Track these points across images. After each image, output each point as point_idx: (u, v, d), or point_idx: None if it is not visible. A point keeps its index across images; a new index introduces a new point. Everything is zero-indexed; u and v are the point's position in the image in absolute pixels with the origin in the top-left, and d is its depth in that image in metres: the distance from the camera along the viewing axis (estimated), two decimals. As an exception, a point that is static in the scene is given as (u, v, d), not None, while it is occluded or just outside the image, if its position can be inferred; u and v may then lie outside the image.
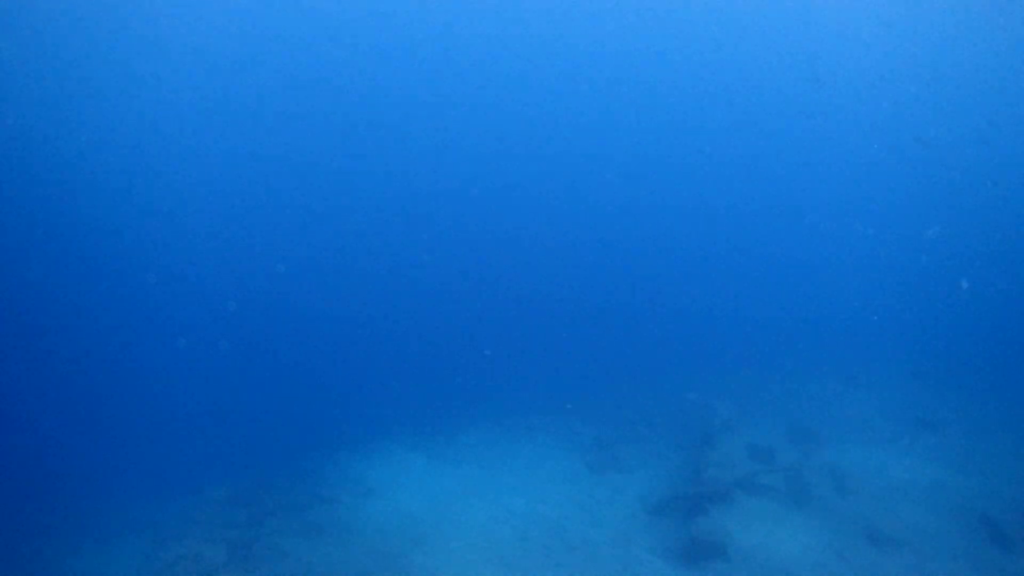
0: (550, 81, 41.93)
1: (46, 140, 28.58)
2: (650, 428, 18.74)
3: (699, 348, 25.60)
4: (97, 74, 30.88)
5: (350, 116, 37.64)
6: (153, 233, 28.99)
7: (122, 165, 30.49)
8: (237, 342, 24.04)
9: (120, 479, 16.38)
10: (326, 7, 35.73)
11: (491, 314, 27.14)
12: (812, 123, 44.78)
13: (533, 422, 19.64)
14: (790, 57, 44.47)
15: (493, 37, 40.67)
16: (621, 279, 33.79)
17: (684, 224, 41.00)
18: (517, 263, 32.27)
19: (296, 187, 33.98)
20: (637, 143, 42.63)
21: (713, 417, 18.03)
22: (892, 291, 33.50)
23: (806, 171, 45.22)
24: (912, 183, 41.71)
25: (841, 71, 43.91)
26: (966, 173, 39.60)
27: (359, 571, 12.02)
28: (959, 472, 15.42)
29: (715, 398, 19.78)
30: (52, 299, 23.92)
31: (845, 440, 17.41)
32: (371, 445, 18.19)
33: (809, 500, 14.18)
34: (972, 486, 14.65)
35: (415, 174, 36.72)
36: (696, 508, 13.61)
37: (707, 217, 41.74)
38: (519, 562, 12.32)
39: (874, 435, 17.76)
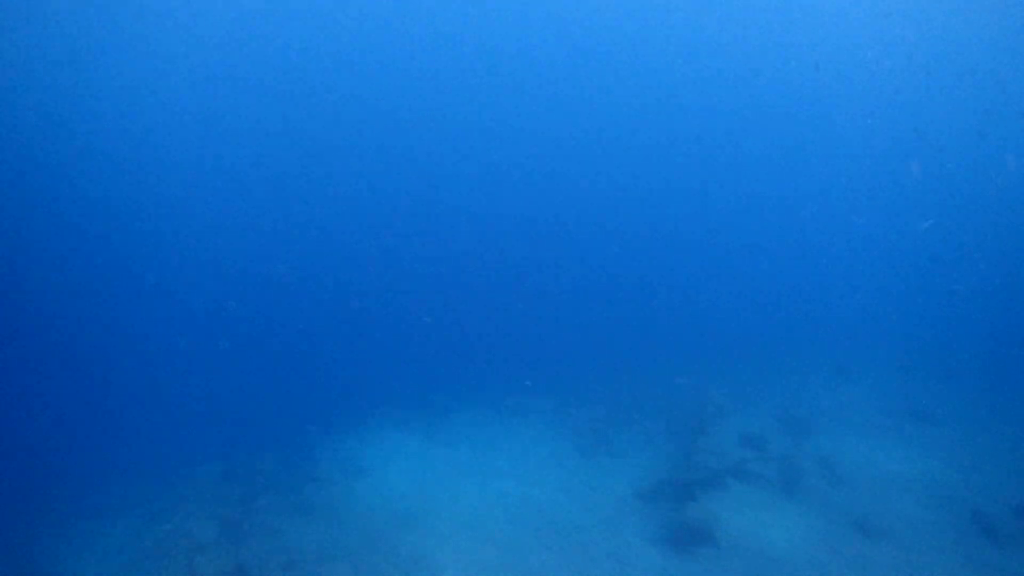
0: (543, 67, 41.52)
1: (46, 140, 28.41)
2: (643, 413, 18.76)
3: (694, 335, 25.65)
4: (97, 74, 30.61)
5: (342, 98, 37.44)
6: (147, 217, 28.90)
7: (120, 154, 30.43)
8: (231, 323, 24.01)
9: (113, 456, 16.38)
10: (326, 7, 35.39)
11: (486, 297, 27.11)
12: (804, 115, 44.56)
13: (526, 404, 19.65)
14: (785, 45, 43.97)
15: (496, 22, 40.18)
16: (618, 266, 33.79)
17: (681, 214, 41.02)
18: (514, 248, 32.21)
19: (287, 175, 33.89)
20: (630, 132, 42.38)
21: (706, 404, 18.04)
22: (886, 283, 33.55)
23: (800, 163, 45.09)
24: (906, 176, 41.56)
25: (840, 60, 43.53)
26: (960, 166, 39.53)
27: (349, 550, 12.06)
28: (950, 465, 15.45)
29: (708, 385, 19.81)
30: (44, 281, 23.79)
31: (837, 430, 17.44)
32: (364, 426, 18.21)
33: (800, 489, 14.22)
34: (963, 479, 14.69)
35: (406, 160, 36.61)
36: (686, 494, 13.64)
37: (703, 208, 41.75)
38: (509, 544, 12.35)
39: (866, 426, 17.79)
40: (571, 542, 12.43)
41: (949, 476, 14.88)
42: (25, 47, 27.41)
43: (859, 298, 31.73)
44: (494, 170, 38.15)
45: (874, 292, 32.27)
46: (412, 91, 38.48)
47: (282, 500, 14.07)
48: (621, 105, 42.51)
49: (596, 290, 30.76)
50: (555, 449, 16.82)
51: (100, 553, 12.42)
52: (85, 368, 20.88)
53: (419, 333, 24.79)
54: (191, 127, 32.87)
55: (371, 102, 37.96)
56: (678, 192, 42.46)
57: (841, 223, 41.12)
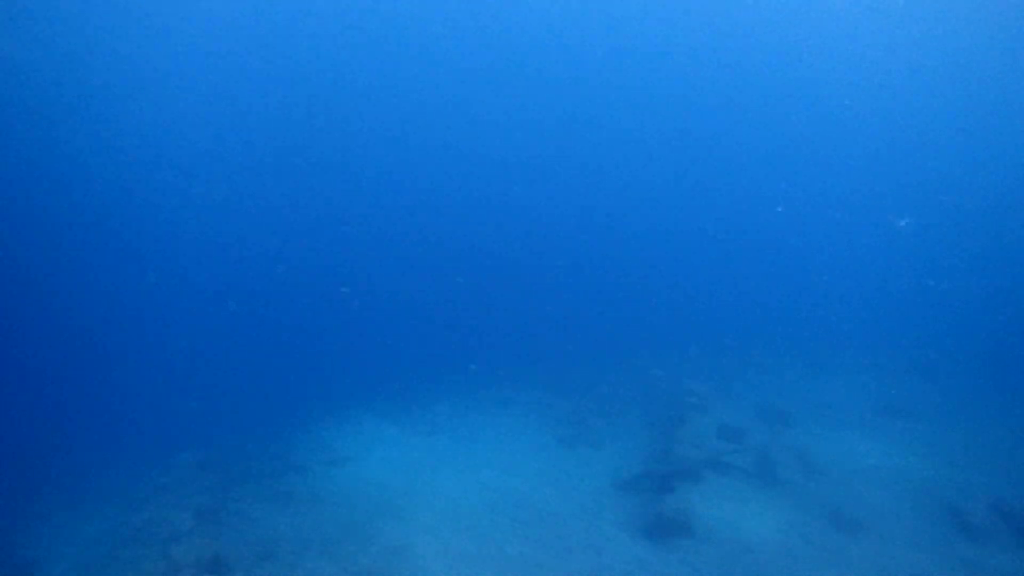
0: (532, 67, 41.37)
1: (46, 139, 27.96)
2: (623, 405, 18.89)
3: (674, 328, 25.84)
4: (97, 73, 30.13)
5: (336, 86, 37.22)
6: (125, 207, 28.62)
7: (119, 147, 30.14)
8: (212, 313, 23.81)
9: (90, 446, 16.21)
10: (326, 6, 35.09)
11: (469, 288, 27.07)
12: (781, 112, 44.81)
13: (507, 395, 19.70)
14: (775, 45, 44.09)
15: (495, 19, 39.94)
16: (600, 259, 33.93)
17: (662, 210, 41.24)
18: (497, 239, 32.22)
19: (276, 169, 33.64)
20: (611, 126, 42.37)
21: (685, 396, 18.19)
22: (864, 279, 33.97)
23: (778, 160, 45.38)
24: (886, 174, 42.04)
25: (829, 59, 43.76)
26: (938, 165, 40.02)
27: (328, 540, 12.03)
28: (925, 460, 15.70)
29: (688, 377, 19.97)
30: (15, 274, 23.44)
31: (814, 423, 17.68)
32: (344, 414, 18.15)
33: (776, 481, 14.39)
34: (939, 475, 14.90)
35: (387, 151, 36.47)
36: (664, 485, 13.77)
37: (683, 203, 41.98)
38: (487, 533, 12.40)
39: (843, 419, 18.04)
40: (550, 532, 12.50)
41: (925, 471, 15.11)
42: (25, 47, 26.96)
43: (838, 293, 32.11)
44: (478, 163, 38.08)
45: (853, 288, 32.66)
46: (401, 86, 38.27)
47: (260, 489, 13.98)
48: (600, 97, 42.44)
49: (578, 283, 30.87)
50: (536, 440, 16.89)
51: (77, 543, 12.29)
52: (62, 359, 20.62)
53: (402, 324, 24.77)
54: (182, 120, 32.49)
55: (361, 100, 37.76)
56: (658, 188, 42.67)
57: (819, 220, 41.55)
